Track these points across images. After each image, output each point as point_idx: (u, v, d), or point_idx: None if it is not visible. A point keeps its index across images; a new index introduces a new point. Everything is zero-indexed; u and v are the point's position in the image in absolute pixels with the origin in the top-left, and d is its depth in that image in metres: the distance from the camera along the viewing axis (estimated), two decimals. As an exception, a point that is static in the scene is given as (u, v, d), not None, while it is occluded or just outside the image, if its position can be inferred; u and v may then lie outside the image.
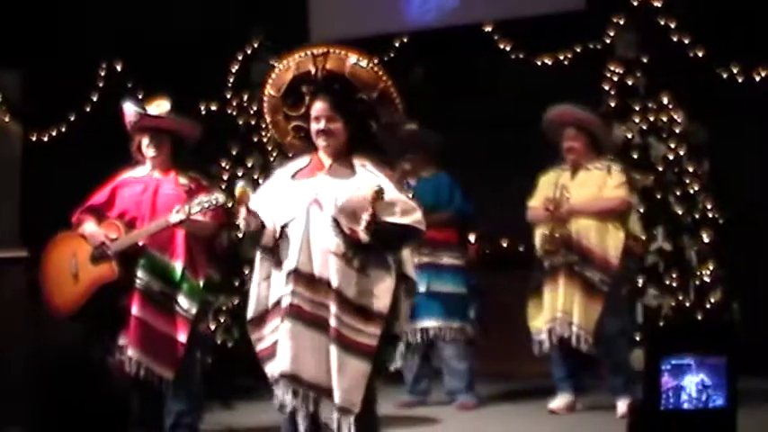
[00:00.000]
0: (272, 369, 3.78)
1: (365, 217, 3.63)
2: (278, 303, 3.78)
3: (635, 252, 5.69)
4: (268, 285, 3.84)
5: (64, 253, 4.74)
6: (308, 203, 3.76)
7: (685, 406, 4.21)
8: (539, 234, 5.52)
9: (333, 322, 3.68)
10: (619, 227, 5.39)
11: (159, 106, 4.75)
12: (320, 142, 3.86)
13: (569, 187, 5.45)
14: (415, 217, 3.78)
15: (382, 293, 3.72)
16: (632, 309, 6.53)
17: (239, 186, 3.73)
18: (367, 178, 3.76)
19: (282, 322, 3.73)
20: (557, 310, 5.37)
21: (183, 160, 4.81)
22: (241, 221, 3.72)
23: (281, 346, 3.73)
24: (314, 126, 3.85)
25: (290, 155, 4.19)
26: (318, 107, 3.84)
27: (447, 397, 5.92)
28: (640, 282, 6.58)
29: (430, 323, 5.76)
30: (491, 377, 6.11)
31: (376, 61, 3.87)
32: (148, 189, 4.67)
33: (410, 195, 5.47)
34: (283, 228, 3.80)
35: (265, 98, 4.04)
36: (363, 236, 3.66)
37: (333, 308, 3.68)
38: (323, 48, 3.87)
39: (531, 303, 5.53)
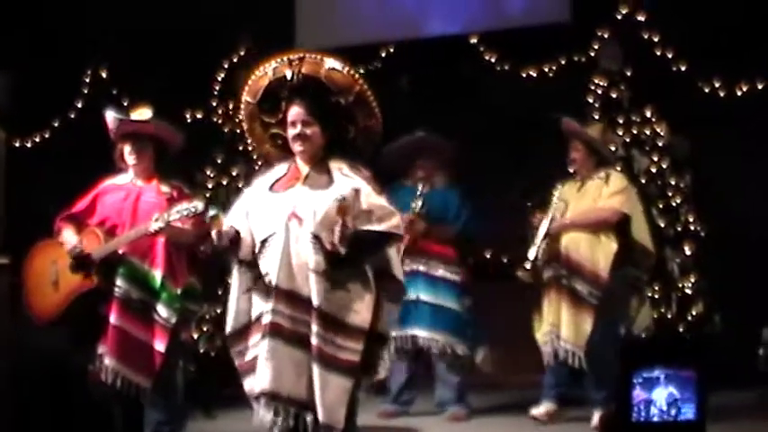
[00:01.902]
0: (252, 385, 3.77)
1: (336, 230, 3.61)
2: (259, 319, 3.76)
3: (642, 262, 5.55)
4: (248, 299, 3.82)
5: (45, 260, 4.72)
6: (286, 218, 3.74)
7: (655, 419, 4.25)
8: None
9: (314, 340, 3.66)
10: (612, 238, 5.35)
11: (141, 114, 4.73)
12: (296, 147, 3.84)
13: (571, 200, 5.46)
14: (392, 222, 3.77)
15: (362, 308, 3.71)
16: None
17: (210, 215, 3.76)
18: (345, 185, 3.74)
19: (263, 340, 3.71)
20: (548, 323, 5.40)
21: (166, 168, 4.79)
22: (215, 241, 3.75)
23: (260, 364, 3.71)
24: (290, 131, 3.85)
25: (262, 163, 4.18)
26: (294, 112, 3.83)
27: (436, 408, 5.90)
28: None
29: (419, 332, 5.72)
30: (475, 387, 6.11)
31: (352, 66, 3.87)
32: (130, 196, 4.65)
33: (418, 203, 5.59)
34: (263, 242, 3.78)
35: (242, 105, 4.03)
36: (340, 248, 3.64)
37: (314, 326, 3.66)
38: (298, 52, 3.87)
39: (535, 315, 5.54)
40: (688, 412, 4.27)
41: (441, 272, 5.79)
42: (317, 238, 3.69)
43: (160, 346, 4.52)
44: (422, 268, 5.75)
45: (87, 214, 4.70)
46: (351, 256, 3.68)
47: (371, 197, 3.76)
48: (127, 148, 4.68)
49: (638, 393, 4.30)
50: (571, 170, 5.57)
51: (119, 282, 4.53)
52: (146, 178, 4.71)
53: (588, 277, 5.32)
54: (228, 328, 3.86)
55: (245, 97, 3.98)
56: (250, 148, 7.51)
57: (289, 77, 3.84)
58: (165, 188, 4.67)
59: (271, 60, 3.89)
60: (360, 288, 3.73)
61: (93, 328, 4.59)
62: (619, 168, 5.86)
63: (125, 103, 7.61)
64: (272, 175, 3.92)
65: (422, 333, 5.72)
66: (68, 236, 4.62)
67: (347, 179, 3.78)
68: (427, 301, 5.73)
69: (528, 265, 5.37)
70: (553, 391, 5.54)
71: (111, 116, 4.70)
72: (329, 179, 3.80)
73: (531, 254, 5.38)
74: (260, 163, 7.38)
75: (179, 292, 4.58)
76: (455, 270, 5.83)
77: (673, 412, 4.27)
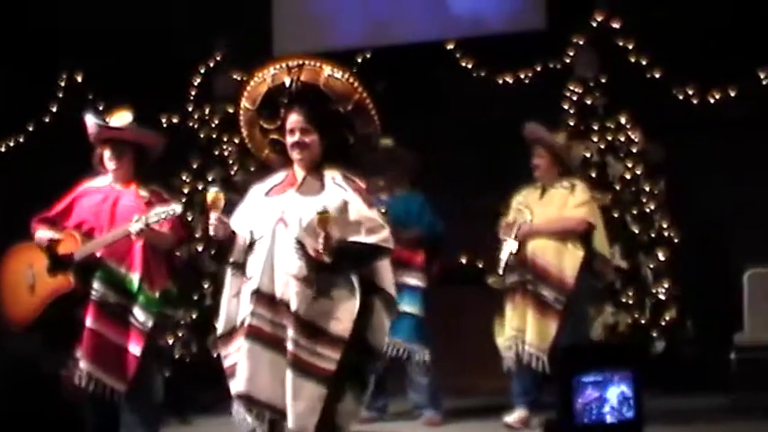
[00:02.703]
0: (232, 387, 3.77)
1: (319, 241, 3.60)
2: (243, 322, 3.75)
3: (602, 273, 5.64)
4: (237, 302, 3.81)
5: (20, 264, 4.68)
6: (274, 222, 3.73)
7: (608, 419, 4.33)
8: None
9: (290, 346, 3.64)
10: (578, 246, 5.40)
11: (121, 118, 4.72)
12: (295, 155, 3.83)
13: (533, 206, 5.49)
14: (382, 235, 3.73)
15: (344, 317, 3.66)
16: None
17: (212, 191, 3.71)
18: (334, 195, 3.71)
19: (244, 342, 3.71)
20: (513, 329, 5.41)
21: (145, 173, 4.77)
22: (210, 227, 3.71)
23: (239, 366, 3.72)
24: (289, 139, 3.83)
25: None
26: (293, 119, 3.81)
27: (413, 411, 5.89)
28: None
29: (394, 339, 5.60)
30: (448, 392, 6.13)
31: (350, 73, 3.86)
32: (108, 200, 4.62)
33: (382, 211, 5.59)
34: (251, 245, 3.78)
35: (241, 111, 4.00)
36: (325, 258, 3.63)
37: (290, 331, 3.65)
38: (297, 59, 3.85)
39: (497, 320, 5.56)
40: (628, 412, 4.39)
41: (404, 278, 5.72)
42: (300, 243, 3.68)
43: (136, 349, 4.48)
44: None
45: (63, 217, 4.66)
46: (337, 265, 3.66)
47: (362, 210, 3.73)
48: (106, 153, 4.65)
49: (590, 393, 4.38)
50: (535, 176, 5.60)
51: (96, 285, 4.50)
52: (124, 182, 4.68)
53: (554, 283, 5.36)
54: (219, 331, 3.86)
55: (245, 103, 3.96)
56: (226, 154, 7.53)
57: (287, 85, 3.83)
58: (143, 192, 4.64)
59: (269, 66, 3.87)
60: (344, 297, 3.69)
61: (69, 333, 4.56)
62: (589, 176, 5.89)
63: (101, 107, 7.60)
64: (271, 181, 3.92)
65: (394, 342, 5.61)
66: (43, 232, 4.58)
67: (338, 189, 3.76)
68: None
69: (501, 271, 5.40)
70: (523, 398, 5.57)
71: (90, 121, 4.68)
72: (321, 186, 3.78)
73: (503, 259, 5.41)
74: (236, 168, 7.44)
75: (156, 296, 4.54)
76: (419, 276, 5.80)
77: (624, 410, 4.38)
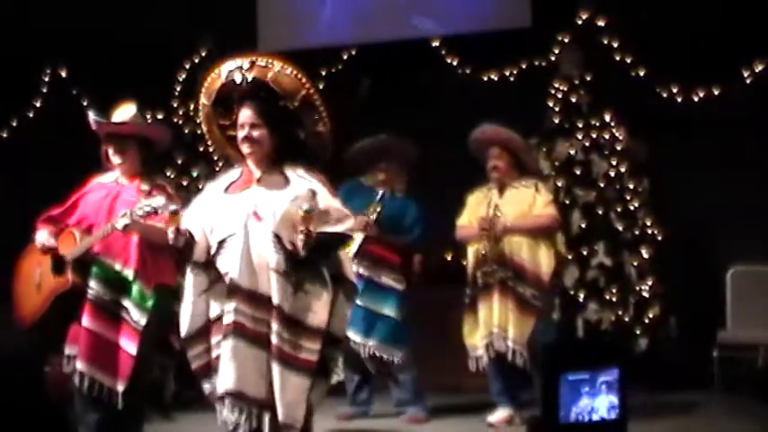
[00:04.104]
0: (214, 386, 3.78)
1: (300, 237, 3.64)
2: (218, 319, 3.77)
3: (560, 271, 5.78)
4: (204, 301, 3.82)
5: (31, 263, 4.67)
6: (245, 217, 3.76)
7: (594, 417, 4.40)
8: (472, 252, 5.56)
9: (274, 339, 3.68)
10: (549, 244, 5.45)
11: (124, 111, 4.68)
12: (245, 149, 3.88)
13: (500, 206, 5.50)
14: (348, 224, 3.83)
15: (319, 308, 3.74)
16: (572, 323, 6.63)
17: (171, 209, 3.76)
18: (301, 186, 3.77)
19: (225, 340, 3.72)
20: (492, 326, 5.39)
21: (152, 166, 4.73)
22: (170, 239, 3.74)
23: (223, 365, 3.72)
24: (239, 133, 3.88)
25: (223, 164, 4.16)
26: (243, 115, 3.87)
27: (396, 409, 5.89)
28: (581, 296, 6.67)
29: (352, 337, 5.60)
30: (433, 390, 6.14)
31: (300, 70, 3.89)
32: (110, 195, 4.58)
33: (377, 210, 5.61)
34: (221, 243, 3.79)
35: (200, 107, 4.06)
36: (301, 251, 3.68)
37: (274, 325, 3.68)
38: (249, 56, 3.90)
39: (467, 320, 5.55)
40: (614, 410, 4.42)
41: (383, 278, 5.74)
42: (277, 237, 3.72)
43: (131, 348, 4.42)
44: (364, 272, 5.68)
45: (66, 215, 4.63)
46: (310, 257, 3.72)
47: (328, 199, 3.81)
48: (110, 149, 4.63)
49: (585, 392, 4.41)
50: (493, 178, 5.59)
51: (91, 283, 4.46)
52: (131, 177, 4.63)
53: (531, 280, 5.38)
54: (184, 331, 3.85)
55: (202, 99, 4.02)
56: (211, 150, 7.50)
57: (238, 81, 3.87)
58: (144, 186, 4.57)
59: (226, 62, 3.92)
60: (318, 289, 3.77)
61: (65, 331, 4.52)
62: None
63: (85, 102, 7.60)
64: (226, 179, 3.95)
65: (355, 338, 5.64)
66: (40, 235, 4.57)
67: (303, 180, 3.82)
68: (364, 306, 5.62)
69: (489, 267, 5.40)
70: (503, 396, 5.57)
71: (90, 117, 4.65)
72: (285, 180, 3.84)
73: (490, 254, 5.42)
74: (221, 164, 7.41)
75: (151, 292, 4.46)
76: (398, 278, 5.78)
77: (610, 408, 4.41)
